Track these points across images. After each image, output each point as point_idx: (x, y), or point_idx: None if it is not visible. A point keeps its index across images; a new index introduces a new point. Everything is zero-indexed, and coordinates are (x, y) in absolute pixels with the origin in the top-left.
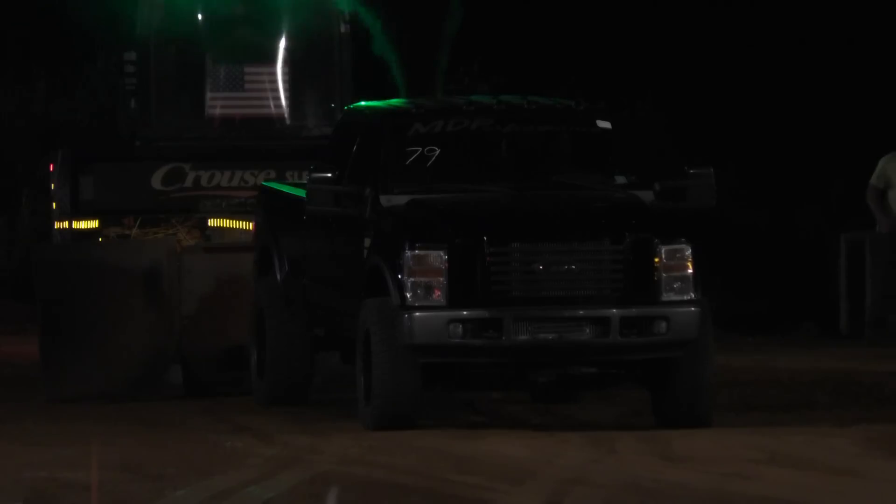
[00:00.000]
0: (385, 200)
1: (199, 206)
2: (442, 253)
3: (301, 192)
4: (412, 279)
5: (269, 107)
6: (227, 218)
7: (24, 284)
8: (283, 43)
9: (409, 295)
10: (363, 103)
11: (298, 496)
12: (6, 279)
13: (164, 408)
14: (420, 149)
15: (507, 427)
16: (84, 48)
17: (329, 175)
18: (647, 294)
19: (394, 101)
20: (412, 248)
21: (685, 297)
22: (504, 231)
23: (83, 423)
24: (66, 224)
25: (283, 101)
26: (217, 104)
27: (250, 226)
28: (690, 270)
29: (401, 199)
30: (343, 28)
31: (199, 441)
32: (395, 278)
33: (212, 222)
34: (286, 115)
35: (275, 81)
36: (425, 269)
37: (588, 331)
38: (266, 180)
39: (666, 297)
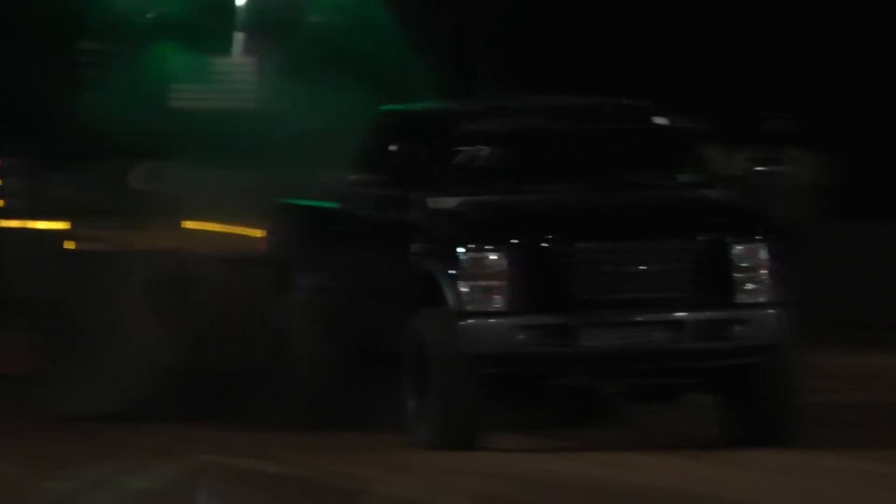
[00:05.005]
0: (433, 203)
1: (178, 206)
2: (503, 254)
3: (324, 204)
4: (471, 283)
5: (235, 100)
6: (207, 220)
7: None
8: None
9: (467, 300)
10: (400, 104)
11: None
12: None
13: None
14: (468, 149)
15: (506, 429)
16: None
17: (368, 178)
18: (723, 296)
19: (435, 102)
20: (470, 250)
21: (764, 299)
22: (569, 230)
23: None
24: (19, 223)
25: (250, 94)
26: (182, 97)
27: (235, 230)
28: (769, 270)
29: (450, 202)
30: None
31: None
32: (452, 283)
33: (191, 224)
34: (253, 109)
35: (242, 73)
36: (485, 273)
37: (661, 336)
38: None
39: (743, 298)
